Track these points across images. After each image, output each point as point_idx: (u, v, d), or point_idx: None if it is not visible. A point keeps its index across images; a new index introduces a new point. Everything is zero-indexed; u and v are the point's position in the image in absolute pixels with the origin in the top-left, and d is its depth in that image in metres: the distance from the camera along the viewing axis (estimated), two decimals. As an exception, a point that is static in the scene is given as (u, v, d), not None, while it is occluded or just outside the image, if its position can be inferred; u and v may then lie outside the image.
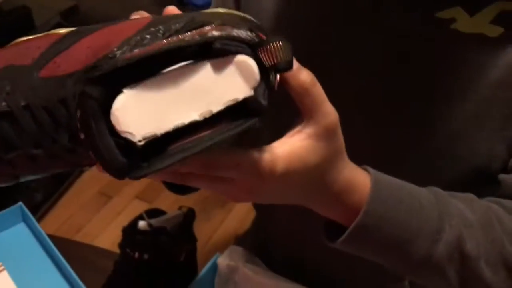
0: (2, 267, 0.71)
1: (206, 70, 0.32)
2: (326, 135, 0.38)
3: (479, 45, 0.48)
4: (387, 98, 0.53)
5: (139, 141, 0.30)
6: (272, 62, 0.33)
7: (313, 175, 0.38)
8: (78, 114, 0.30)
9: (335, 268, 0.65)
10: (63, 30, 0.35)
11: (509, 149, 0.51)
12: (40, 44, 0.34)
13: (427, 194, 0.45)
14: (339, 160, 0.40)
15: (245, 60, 0.32)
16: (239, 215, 1.66)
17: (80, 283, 0.63)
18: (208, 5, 1.97)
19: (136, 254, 0.64)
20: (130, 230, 0.66)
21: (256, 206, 0.78)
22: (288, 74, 0.36)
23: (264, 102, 0.33)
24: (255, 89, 0.33)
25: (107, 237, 1.55)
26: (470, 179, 0.53)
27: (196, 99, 0.32)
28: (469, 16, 0.47)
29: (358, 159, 0.43)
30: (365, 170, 0.43)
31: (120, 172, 0.30)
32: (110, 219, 1.63)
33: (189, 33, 0.31)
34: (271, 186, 0.37)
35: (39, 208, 1.49)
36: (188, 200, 0.71)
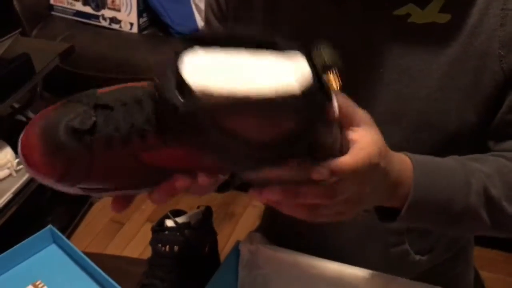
0: (42, 284, 0.77)
1: (269, 57, 0.38)
2: (370, 129, 0.47)
3: (433, 31, 0.58)
4: (361, 84, 0.62)
5: (196, 91, 0.35)
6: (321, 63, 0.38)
7: (381, 163, 0.47)
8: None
9: (343, 243, 0.74)
10: None
11: (477, 114, 0.61)
12: None
13: (452, 162, 0.57)
14: (387, 150, 0.49)
15: (304, 64, 0.38)
16: (246, 227, 1.74)
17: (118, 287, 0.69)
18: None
19: (167, 248, 0.72)
20: (159, 228, 0.74)
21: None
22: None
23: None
24: (305, 89, 0.37)
25: (125, 259, 1.61)
26: (445, 147, 0.62)
27: (250, 78, 0.36)
28: (421, 10, 0.57)
29: None
30: (405, 155, 0.54)
31: (174, 107, 0.36)
32: (125, 244, 1.70)
33: None
34: (368, 175, 0.46)
35: (57, 240, 1.56)
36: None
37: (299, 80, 0.37)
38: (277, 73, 0.37)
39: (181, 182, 0.42)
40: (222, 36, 0.39)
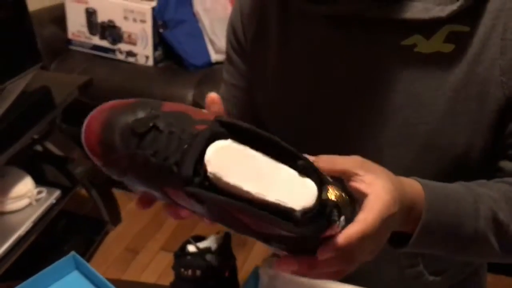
0: (63, 311, 0.78)
1: (283, 172, 0.43)
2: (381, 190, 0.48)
3: (439, 59, 0.61)
4: (370, 109, 0.65)
5: (210, 173, 0.41)
6: (333, 200, 0.42)
7: (392, 215, 0.48)
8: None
9: (359, 265, 0.75)
10: None
11: (483, 138, 0.63)
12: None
13: (460, 188, 0.59)
14: (399, 192, 0.50)
15: (311, 184, 0.42)
16: (259, 255, 1.76)
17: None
18: (206, 65, 2.14)
19: (190, 272, 0.75)
20: (181, 253, 0.77)
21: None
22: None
23: (302, 228, 0.41)
24: (305, 211, 0.41)
25: None
26: (454, 168, 0.65)
27: (262, 182, 0.41)
28: (427, 40, 0.61)
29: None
30: (415, 180, 0.56)
31: (186, 179, 0.41)
32: (140, 272, 1.71)
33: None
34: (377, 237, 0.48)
35: (73, 269, 1.58)
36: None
37: (300, 204, 0.41)
38: (286, 188, 0.42)
39: (185, 213, 0.48)
40: (252, 130, 0.43)
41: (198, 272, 0.75)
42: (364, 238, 0.45)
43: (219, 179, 0.41)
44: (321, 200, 0.42)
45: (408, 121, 0.63)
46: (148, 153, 0.43)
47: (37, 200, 1.50)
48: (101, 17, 1.98)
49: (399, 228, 0.54)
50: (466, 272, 0.78)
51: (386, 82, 0.64)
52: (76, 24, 2.03)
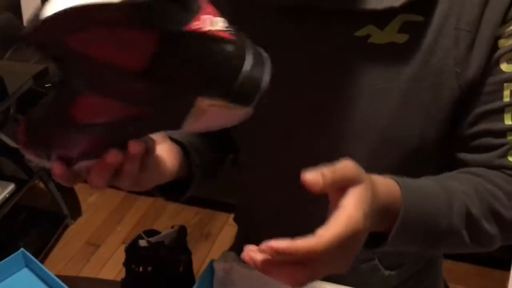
0: (13, 310, 0.76)
1: None
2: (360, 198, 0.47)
3: (393, 50, 0.60)
4: (324, 102, 0.63)
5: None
6: None
7: (364, 226, 0.46)
8: None
9: None
10: None
11: (438, 131, 0.63)
12: None
13: (433, 183, 0.59)
14: (371, 199, 0.48)
15: None
16: (223, 246, 1.74)
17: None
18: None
19: (141, 268, 0.73)
20: (132, 248, 0.75)
21: (237, 220, 0.88)
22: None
23: None
24: None
25: (100, 281, 1.59)
26: (410, 161, 0.64)
27: None
28: (380, 30, 0.60)
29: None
30: (391, 178, 0.55)
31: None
32: (100, 266, 1.69)
33: None
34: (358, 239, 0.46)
35: (30, 264, 1.54)
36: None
37: None
38: None
39: (111, 156, 0.45)
40: None
41: (149, 268, 0.72)
42: (324, 252, 0.44)
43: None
44: None
45: (362, 114, 0.62)
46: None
47: (-11, 195, 1.44)
48: (58, 4, 1.92)
49: (375, 229, 0.52)
50: (421, 264, 0.78)
51: (339, 75, 0.62)
52: (31, 12, 1.95)
